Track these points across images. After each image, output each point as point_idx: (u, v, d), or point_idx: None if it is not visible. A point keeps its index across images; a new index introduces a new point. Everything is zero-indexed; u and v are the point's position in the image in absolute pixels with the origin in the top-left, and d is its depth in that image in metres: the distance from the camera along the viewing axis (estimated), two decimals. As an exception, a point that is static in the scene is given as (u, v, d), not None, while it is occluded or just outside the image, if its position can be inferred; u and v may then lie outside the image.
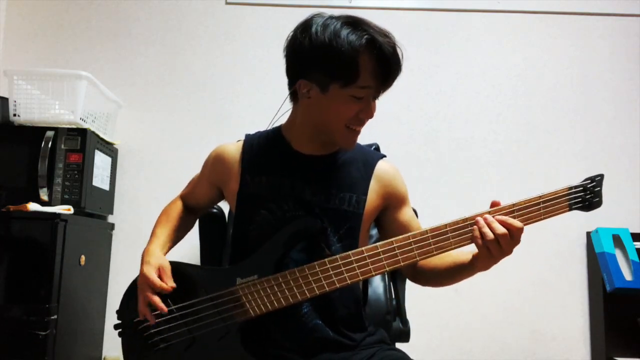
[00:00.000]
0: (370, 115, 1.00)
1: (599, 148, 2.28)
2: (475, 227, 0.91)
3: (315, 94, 0.99)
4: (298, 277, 0.96)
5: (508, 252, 0.90)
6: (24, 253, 1.64)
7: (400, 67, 0.97)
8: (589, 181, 0.95)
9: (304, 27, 0.98)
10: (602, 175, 0.96)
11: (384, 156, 1.15)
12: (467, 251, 0.97)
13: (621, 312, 2.06)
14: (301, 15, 1.03)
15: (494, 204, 0.93)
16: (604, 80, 2.33)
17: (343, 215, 1.04)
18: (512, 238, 0.89)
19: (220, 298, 0.99)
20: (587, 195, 0.95)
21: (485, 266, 0.94)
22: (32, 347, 1.57)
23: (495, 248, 0.89)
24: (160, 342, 1.00)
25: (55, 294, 1.63)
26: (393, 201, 1.11)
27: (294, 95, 1.05)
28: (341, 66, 0.93)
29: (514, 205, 0.92)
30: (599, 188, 0.95)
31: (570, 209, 0.94)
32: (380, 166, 1.11)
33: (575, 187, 0.94)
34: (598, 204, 0.96)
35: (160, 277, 1.00)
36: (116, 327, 1.06)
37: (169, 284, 0.99)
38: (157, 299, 0.98)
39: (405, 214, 1.12)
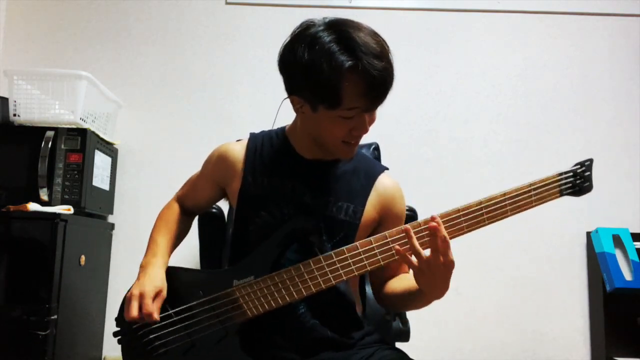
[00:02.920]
0: (364, 131, 0.98)
1: (599, 148, 2.28)
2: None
3: (307, 111, 0.98)
4: (294, 275, 0.96)
5: (436, 265, 0.86)
6: (24, 253, 1.63)
7: (388, 88, 0.93)
8: (579, 166, 0.96)
9: (293, 43, 0.95)
10: (591, 160, 0.96)
11: (387, 169, 1.14)
12: None
13: (621, 312, 2.06)
14: (301, 15, 1.02)
15: (407, 230, 0.91)
16: (604, 80, 2.33)
17: (339, 224, 1.04)
18: (437, 251, 0.86)
19: (217, 300, 0.99)
20: (577, 180, 0.95)
21: (425, 286, 0.91)
22: (32, 347, 1.57)
23: (419, 258, 0.87)
24: (159, 347, 1.00)
25: (55, 294, 1.63)
26: (388, 217, 1.09)
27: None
28: (323, 91, 0.90)
29: (504, 194, 0.93)
30: (588, 173, 0.95)
31: (561, 195, 0.94)
32: (382, 180, 1.10)
33: (565, 172, 0.95)
34: (588, 188, 0.96)
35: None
36: (115, 334, 1.06)
37: (155, 316, 0.98)
38: (136, 317, 0.98)
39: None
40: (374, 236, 0.95)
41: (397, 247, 0.90)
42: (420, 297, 0.97)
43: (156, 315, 0.98)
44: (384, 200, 1.08)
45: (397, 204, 1.10)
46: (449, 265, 0.86)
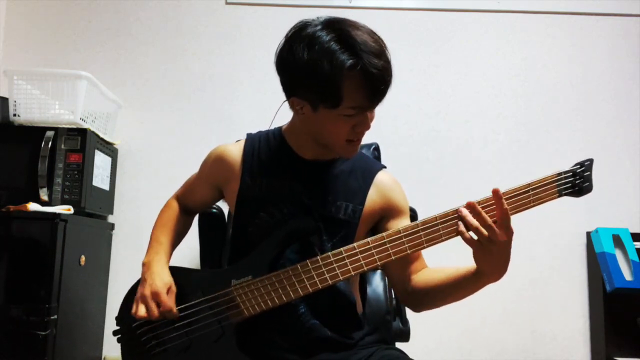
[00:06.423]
0: (366, 128, 0.98)
1: (599, 148, 2.28)
2: (458, 218, 0.88)
3: (307, 111, 0.97)
4: (291, 275, 0.96)
5: (501, 240, 0.84)
6: (24, 253, 1.64)
7: (388, 86, 0.92)
8: (579, 166, 0.93)
9: (291, 43, 0.95)
10: (591, 160, 0.94)
11: (384, 167, 1.14)
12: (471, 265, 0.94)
13: (621, 312, 2.06)
14: (301, 15, 1.02)
15: (494, 192, 0.88)
16: (604, 80, 2.33)
17: (338, 224, 1.04)
18: (501, 225, 0.85)
19: (215, 299, 0.99)
20: (577, 180, 0.93)
21: (488, 267, 0.89)
22: (32, 347, 1.57)
23: (482, 236, 0.85)
24: (158, 346, 1.00)
25: (55, 294, 1.64)
26: (390, 212, 1.09)
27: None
28: (324, 90, 0.90)
29: (502, 194, 0.92)
30: (588, 173, 0.93)
31: (560, 195, 0.92)
32: (380, 177, 1.10)
33: (565, 172, 0.93)
34: (588, 188, 0.93)
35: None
36: (115, 333, 1.06)
37: (175, 311, 1.00)
38: (157, 316, 0.99)
39: (401, 225, 1.10)
40: (371, 237, 0.94)
41: (461, 228, 0.87)
42: (474, 282, 0.93)
43: (175, 310, 0.99)
44: (383, 196, 1.08)
45: (397, 198, 1.10)
46: (510, 235, 0.85)
